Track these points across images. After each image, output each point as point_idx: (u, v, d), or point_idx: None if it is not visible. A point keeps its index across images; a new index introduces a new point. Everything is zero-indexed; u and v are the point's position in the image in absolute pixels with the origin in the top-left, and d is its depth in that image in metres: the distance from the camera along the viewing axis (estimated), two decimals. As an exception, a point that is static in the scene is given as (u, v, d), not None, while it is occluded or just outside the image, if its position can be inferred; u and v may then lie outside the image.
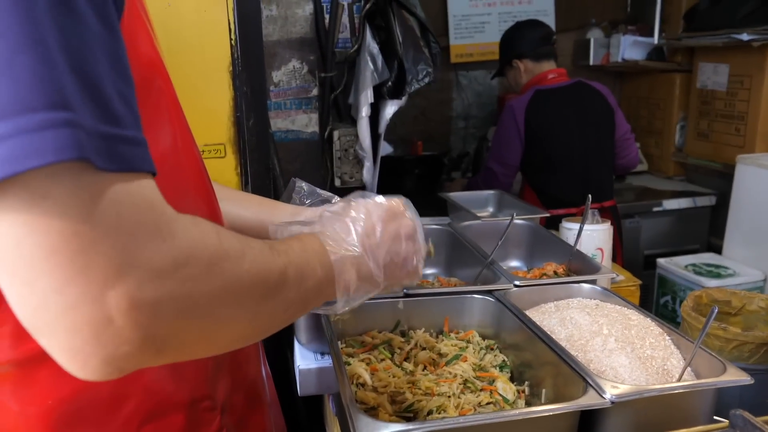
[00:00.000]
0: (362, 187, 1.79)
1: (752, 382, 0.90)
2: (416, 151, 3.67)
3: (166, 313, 0.47)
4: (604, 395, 0.86)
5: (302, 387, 1.24)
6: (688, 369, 1.00)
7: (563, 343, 1.06)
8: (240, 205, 0.99)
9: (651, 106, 3.77)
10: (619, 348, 1.02)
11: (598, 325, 1.08)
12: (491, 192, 2.16)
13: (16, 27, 0.40)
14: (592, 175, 2.53)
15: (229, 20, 1.12)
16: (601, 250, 1.61)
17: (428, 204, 2.22)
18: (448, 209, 2.06)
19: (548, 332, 1.10)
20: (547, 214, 1.85)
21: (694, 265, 2.59)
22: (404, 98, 1.65)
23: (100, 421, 0.62)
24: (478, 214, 1.89)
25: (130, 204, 0.45)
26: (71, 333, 0.43)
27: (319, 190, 1.07)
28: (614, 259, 2.46)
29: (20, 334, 0.56)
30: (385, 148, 2.94)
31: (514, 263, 1.72)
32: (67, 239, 0.41)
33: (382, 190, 3.61)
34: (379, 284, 0.77)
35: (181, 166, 0.69)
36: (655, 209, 3.33)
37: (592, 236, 1.59)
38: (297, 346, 1.29)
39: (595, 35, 3.89)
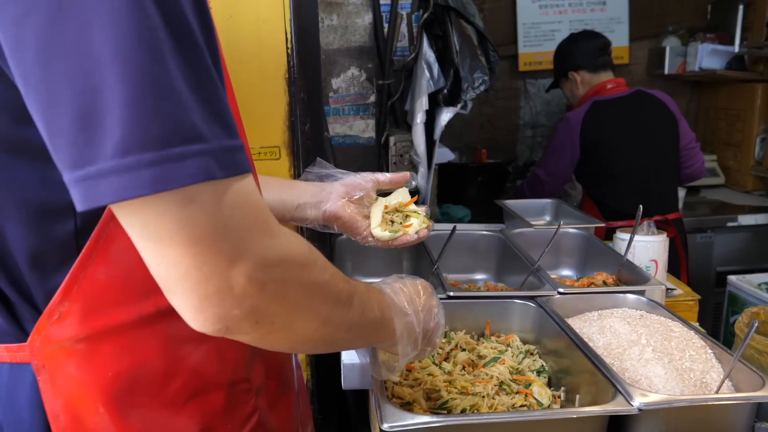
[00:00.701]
0: (416, 192, 1.83)
1: (791, 399, 0.88)
2: (480, 159, 3.68)
3: (268, 292, 0.60)
4: (632, 402, 0.87)
5: (346, 381, 1.28)
6: (728, 383, 0.98)
7: (600, 351, 1.07)
8: (263, 186, 1.06)
9: (730, 118, 3.62)
10: (656, 358, 1.01)
11: (637, 335, 1.08)
12: (549, 201, 2.16)
13: (152, 77, 0.50)
14: (652, 187, 2.47)
15: (286, 31, 1.19)
16: (655, 261, 1.58)
17: (491, 212, 2.24)
18: (503, 216, 2.07)
19: (586, 340, 1.10)
20: (602, 224, 1.83)
21: (767, 283, 2.48)
22: (459, 105, 1.68)
23: (153, 393, 0.69)
24: (534, 223, 1.89)
25: (248, 202, 0.58)
26: (202, 296, 0.56)
27: (335, 170, 1.14)
28: (678, 273, 2.40)
29: (87, 313, 0.65)
30: (447, 155, 2.97)
31: (566, 272, 1.72)
32: (207, 232, 0.55)
33: (446, 197, 3.64)
34: (418, 344, 0.88)
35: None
36: (730, 224, 3.20)
37: (647, 247, 1.56)
38: (343, 342, 1.34)
39: (671, 43, 3.78)
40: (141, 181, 0.51)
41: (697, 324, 1.61)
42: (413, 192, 1.22)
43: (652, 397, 0.87)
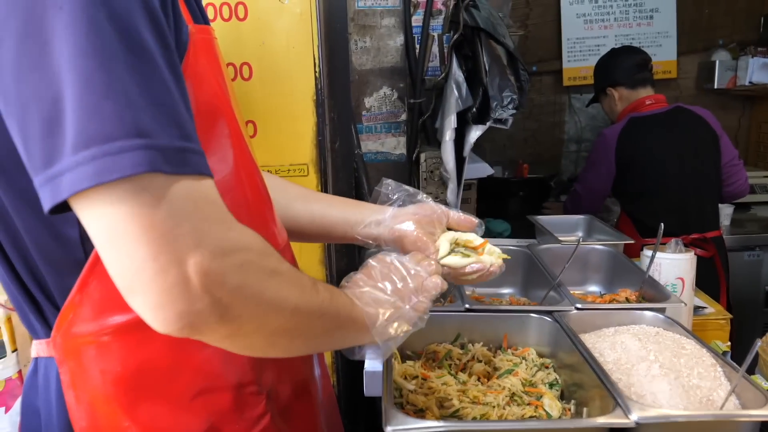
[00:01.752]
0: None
1: (792, 418, 0.89)
2: (522, 174, 3.69)
3: (229, 283, 0.60)
4: (629, 416, 0.89)
5: (367, 388, 1.34)
6: (735, 401, 0.99)
7: (609, 366, 1.09)
8: (328, 204, 1.11)
9: (781, 132, 3.53)
10: (663, 374, 1.03)
11: (646, 351, 1.10)
12: (581, 217, 2.17)
13: (97, 82, 0.55)
14: (690, 204, 2.44)
15: (314, 56, 1.27)
16: (681, 279, 1.58)
17: (532, 226, 2.26)
18: (536, 232, 2.10)
19: (597, 355, 1.13)
20: (630, 241, 1.83)
21: (813, 303, 2.41)
22: (488, 123, 1.72)
23: (160, 389, 0.76)
24: (565, 239, 1.91)
25: (202, 197, 0.60)
26: (159, 291, 0.57)
27: (404, 186, 1.13)
28: (716, 292, 2.35)
29: (97, 313, 0.73)
30: (486, 170, 3.00)
31: (593, 288, 1.73)
32: (159, 222, 0.56)
33: (487, 211, 3.66)
34: (413, 321, 0.87)
35: (241, 188, 0.82)
36: (779, 242, 3.11)
37: (672, 265, 1.56)
38: (366, 351, 1.40)
39: (721, 57, 3.72)
40: (85, 175, 0.54)
41: (721, 343, 1.60)
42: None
43: (650, 412, 0.90)
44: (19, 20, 0.56)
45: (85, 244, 0.71)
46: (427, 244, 1.02)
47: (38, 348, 0.78)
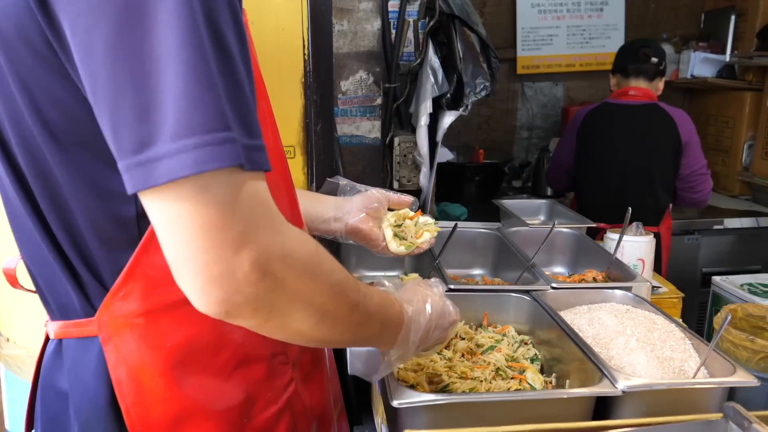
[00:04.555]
0: (419, 191, 1.92)
1: (757, 384, 0.98)
2: (478, 159, 3.77)
3: (267, 283, 0.64)
4: (616, 385, 0.96)
5: (352, 367, 1.37)
6: (704, 370, 1.08)
7: (589, 341, 1.16)
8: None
9: (719, 124, 3.73)
10: (639, 348, 1.11)
11: (623, 326, 1.18)
12: (544, 201, 2.25)
13: (200, 74, 0.57)
14: (627, 199, 2.53)
15: (303, 37, 1.28)
16: (642, 261, 1.68)
17: (487, 210, 2.34)
18: (500, 215, 2.17)
19: (577, 330, 1.20)
20: (593, 225, 1.92)
21: (750, 284, 2.58)
22: (462, 109, 1.77)
23: (204, 363, 0.78)
24: (529, 222, 1.98)
25: (259, 199, 0.64)
26: (207, 279, 0.61)
27: (357, 186, 1.28)
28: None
29: (147, 291, 0.73)
30: (446, 155, 3.06)
31: (559, 269, 1.81)
32: (216, 219, 0.60)
33: (444, 195, 3.73)
34: (415, 348, 0.94)
35: (274, 167, 0.85)
36: (716, 227, 3.31)
37: (634, 247, 1.66)
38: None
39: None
40: (185, 163, 0.57)
41: (679, 320, 1.71)
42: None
43: (635, 381, 0.97)
44: (117, 6, 0.56)
45: (140, 223, 0.72)
46: (378, 238, 1.24)
47: (66, 329, 0.78)
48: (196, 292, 0.62)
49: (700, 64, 3.72)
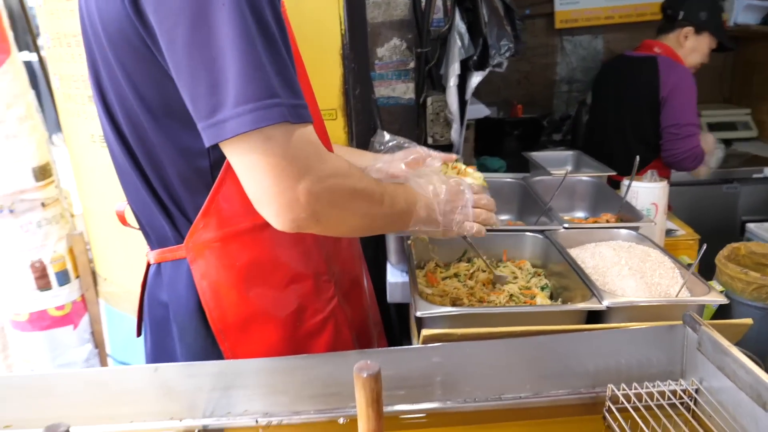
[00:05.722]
0: (450, 146, 2.11)
1: (726, 302, 1.15)
2: (516, 114, 3.90)
3: (323, 201, 0.88)
4: (602, 302, 1.16)
5: (391, 295, 1.62)
6: (688, 294, 1.26)
7: (589, 271, 1.35)
8: (340, 153, 1.38)
9: (765, 72, 3.73)
10: (631, 275, 1.30)
11: (619, 258, 1.36)
12: (571, 153, 2.41)
13: (251, 58, 0.80)
14: (608, 148, 2.64)
15: (339, 15, 1.48)
16: (655, 204, 1.83)
17: (526, 163, 2.51)
18: (529, 167, 2.34)
19: (580, 262, 1.39)
20: (610, 173, 2.07)
21: (784, 230, 2.67)
22: (488, 70, 1.94)
23: (265, 278, 1.03)
24: (555, 172, 2.15)
25: (308, 141, 0.86)
26: (279, 205, 0.85)
27: (397, 138, 1.41)
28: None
29: (220, 223, 0.98)
30: (483, 111, 3.22)
31: (579, 213, 1.99)
32: (278, 161, 0.83)
33: (484, 149, 3.88)
34: (439, 224, 1.15)
35: (318, 121, 1.07)
36: (756, 176, 3.36)
37: (647, 192, 1.81)
38: (389, 266, 1.67)
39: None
40: (245, 122, 0.80)
41: (687, 257, 1.87)
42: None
43: (618, 299, 1.16)
44: (190, 12, 0.79)
45: (213, 172, 0.96)
46: None
47: (163, 255, 1.04)
48: (273, 216, 0.87)
49: (743, 12, 3.71)
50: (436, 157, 1.38)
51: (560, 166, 2.34)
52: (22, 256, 2.12)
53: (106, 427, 0.97)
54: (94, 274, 2.21)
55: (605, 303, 1.16)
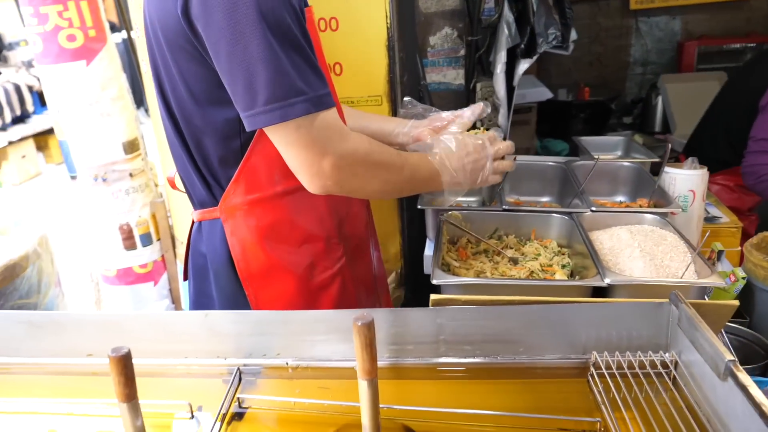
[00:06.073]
0: (497, 128, 2.22)
1: (724, 286, 1.23)
2: (583, 96, 3.91)
3: (345, 172, 1.11)
4: (604, 280, 1.27)
5: (426, 267, 1.77)
6: (695, 276, 1.34)
7: (604, 251, 1.45)
8: (369, 120, 1.57)
9: None
10: (641, 257, 1.39)
11: (633, 240, 1.45)
12: (621, 138, 2.45)
13: (276, 67, 1.01)
14: (699, 140, 2.63)
15: (386, 10, 1.62)
16: (693, 191, 1.87)
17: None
18: (579, 151, 2.41)
19: (598, 243, 1.49)
20: (656, 159, 2.11)
21: None
22: (535, 57, 2.03)
23: (283, 238, 1.24)
24: (603, 157, 2.22)
25: (330, 123, 1.09)
26: (309, 175, 1.10)
27: (424, 106, 1.56)
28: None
29: (247, 190, 1.19)
30: (545, 93, 3.28)
31: (620, 198, 2.05)
32: (306, 141, 1.07)
33: (548, 131, 3.92)
34: (461, 183, 1.32)
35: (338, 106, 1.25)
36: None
37: (685, 179, 1.86)
38: (427, 241, 1.82)
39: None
40: (274, 117, 1.03)
41: (719, 244, 1.90)
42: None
43: (618, 277, 1.27)
44: (228, 32, 1.01)
45: (242, 150, 1.17)
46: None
47: (203, 215, 1.27)
48: (307, 182, 1.11)
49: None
50: (458, 123, 1.52)
51: (609, 152, 2.40)
52: (111, 220, 2.42)
53: (164, 360, 1.18)
54: (173, 237, 2.49)
55: (606, 280, 1.26)
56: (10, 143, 7.14)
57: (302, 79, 1.04)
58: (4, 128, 7.29)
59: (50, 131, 7.78)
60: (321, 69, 1.09)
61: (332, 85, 1.29)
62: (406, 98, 1.58)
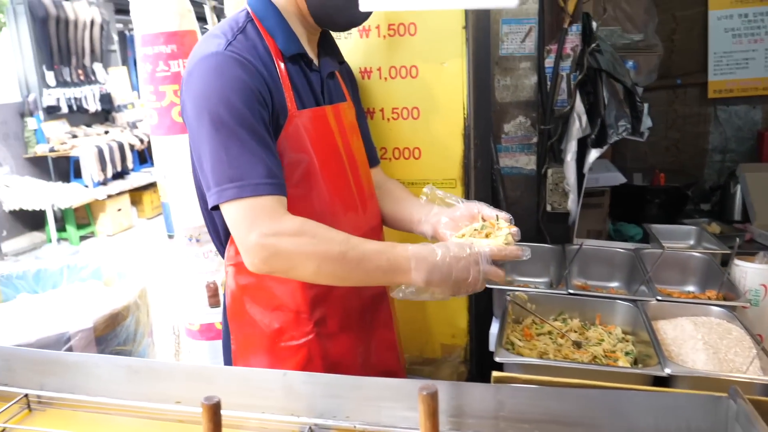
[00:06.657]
0: (567, 214, 2.29)
1: (785, 383, 1.24)
2: (658, 182, 3.90)
3: (269, 250, 1.24)
4: (664, 370, 1.30)
5: (491, 344, 1.83)
6: (760, 372, 1.35)
7: (668, 342, 1.48)
8: (403, 206, 1.61)
9: None
10: (704, 349, 1.41)
11: (696, 332, 1.47)
12: (692, 228, 2.46)
13: (220, 158, 1.25)
14: None
15: (463, 102, 1.76)
16: (764, 286, 1.87)
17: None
18: (649, 238, 2.44)
19: (662, 333, 1.52)
20: (728, 251, 2.12)
21: None
22: (605, 147, 2.11)
23: (259, 298, 1.45)
24: (674, 246, 2.24)
25: (262, 207, 1.25)
26: (241, 250, 1.28)
27: (446, 195, 1.53)
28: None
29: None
30: (618, 178, 3.33)
31: (690, 288, 2.06)
32: (239, 219, 1.26)
33: (621, 215, 3.95)
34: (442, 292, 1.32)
35: (333, 182, 1.45)
36: None
37: (756, 273, 1.86)
38: (493, 318, 1.89)
39: None
40: (218, 198, 1.26)
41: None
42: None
43: (679, 368, 1.30)
44: (190, 126, 1.31)
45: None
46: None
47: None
48: (242, 258, 1.29)
49: None
50: (487, 216, 1.43)
51: (681, 240, 2.41)
52: (200, 278, 2.62)
53: (242, 413, 1.29)
54: (253, 298, 2.66)
55: (667, 370, 1.30)
56: (109, 197, 7.73)
57: (241, 168, 1.24)
58: (105, 182, 7.92)
59: (145, 188, 8.38)
60: (276, 160, 1.29)
61: (346, 174, 1.47)
62: (426, 187, 1.55)
